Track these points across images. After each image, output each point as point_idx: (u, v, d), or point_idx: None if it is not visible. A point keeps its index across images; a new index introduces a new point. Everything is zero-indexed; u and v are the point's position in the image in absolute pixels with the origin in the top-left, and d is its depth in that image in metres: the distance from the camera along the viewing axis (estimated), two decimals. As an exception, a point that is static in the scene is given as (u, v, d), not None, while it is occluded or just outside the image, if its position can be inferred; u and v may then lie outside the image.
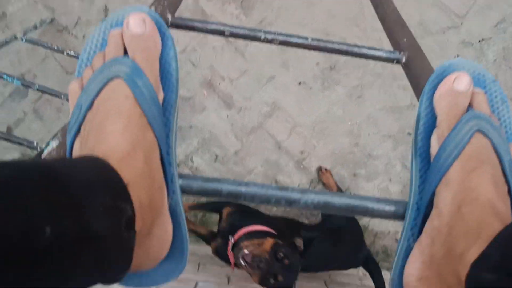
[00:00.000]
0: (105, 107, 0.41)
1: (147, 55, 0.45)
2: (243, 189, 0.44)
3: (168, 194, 0.44)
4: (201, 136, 2.42)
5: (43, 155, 0.45)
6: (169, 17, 0.75)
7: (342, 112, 2.45)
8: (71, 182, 0.31)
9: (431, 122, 0.48)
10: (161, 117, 0.43)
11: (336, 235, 2.15)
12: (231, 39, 2.33)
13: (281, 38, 0.76)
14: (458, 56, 2.44)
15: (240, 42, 2.34)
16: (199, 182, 0.45)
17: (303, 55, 2.37)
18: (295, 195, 0.44)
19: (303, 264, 1.97)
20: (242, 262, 1.60)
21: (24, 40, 1.89)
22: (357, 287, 2.41)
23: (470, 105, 0.47)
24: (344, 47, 0.76)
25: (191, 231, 2.21)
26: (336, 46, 0.75)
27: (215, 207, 2.17)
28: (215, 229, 2.21)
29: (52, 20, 2.22)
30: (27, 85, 1.54)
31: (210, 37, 2.32)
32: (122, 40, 0.46)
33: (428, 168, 0.47)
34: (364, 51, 0.76)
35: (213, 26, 0.76)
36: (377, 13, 1.01)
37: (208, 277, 2.18)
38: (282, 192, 0.44)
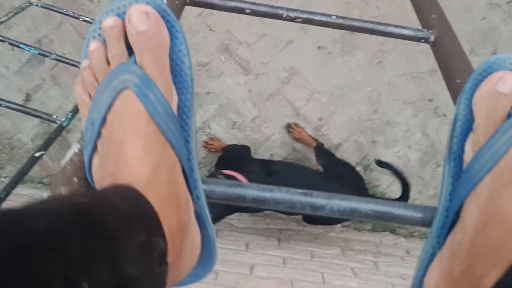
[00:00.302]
0: (119, 124, 0.40)
1: (155, 58, 0.41)
2: (267, 194, 0.43)
3: (192, 200, 0.42)
4: (218, 103, 2.40)
5: (63, 162, 0.43)
6: (187, -7, 0.72)
7: (362, 78, 2.40)
8: (107, 223, 0.31)
9: (469, 125, 0.44)
10: (178, 128, 0.41)
11: (340, 184, 2.14)
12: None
13: (303, 16, 0.72)
14: (484, 18, 2.35)
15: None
16: (222, 188, 0.44)
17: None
18: (320, 201, 0.43)
19: (309, 216, 2.07)
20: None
21: (39, 5, 1.86)
22: (373, 254, 2.42)
23: None
24: (370, 25, 0.72)
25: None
26: (361, 24, 0.72)
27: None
28: None
29: (66, -16, 2.18)
30: (44, 54, 1.52)
31: (227, 0, 2.26)
32: (124, 34, 0.42)
33: (461, 175, 0.44)
34: (390, 29, 0.72)
35: (233, 4, 0.73)
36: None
37: (225, 244, 2.21)
38: (307, 197, 0.43)
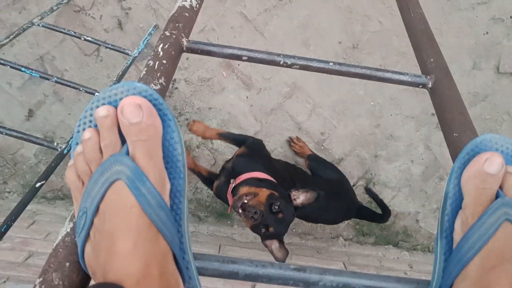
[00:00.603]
0: (111, 216, 0.40)
1: (148, 149, 0.41)
2: (260, 271, 0.43)
3: (184, 282, 0.42)
4: (220, 118, 2.40)
5: (55, 243, 0.43)
6: (184, 42, 0.72)
7: (364, 93, 2.39)
8: None
9: (459, 203, 0.45)
10: (170, 218, 0.41)
11: (330, 187, 2.15)
12: (250, 17, 2.27)
13: (300, 62, 0.72)
14: (487, 33, 2.34)
15: (260, 21, 2.28)
16: (215, 264, 0.44)
17: (324, 33, 2.30)
18: (314, 277, 0.43)
19: (300, 214, 2.03)
20: (239, 210, 1.63)
21: (41, 25, 1.87)
22: (376, 268, 2.42)
23: (501, 187, 0.43)
24: (368, 71, 0.72)
25: (193, 171, 2.24)
26: (359, 71, 0.72)
27: (237, 141, 2.21)
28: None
29: (68, 1, 2.18)
30: (45, 78, 1.53)
31: (229, 16, 2.26)
32: (117, 123, 0.42)
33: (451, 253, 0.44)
34: (388, 75, 0.72)
35: (230, 51, 0.73)
36: (403, 18, 0.96)
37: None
38: (300, 273, 0.42)
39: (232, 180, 1.87)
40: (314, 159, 2.32)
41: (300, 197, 1.78)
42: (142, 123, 0.41)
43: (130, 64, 1.92)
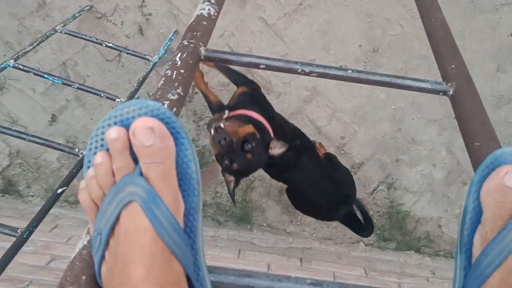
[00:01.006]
0: (125, 239, 0.40)
1: (162, 171, 0.41)
2: (276, 285, 0.42)
3: None
4: (240, 122, 2.40)
5: (74, 255, 0.43)
6: (202, 50, 0.73)
7: (385, 97, 2.37)
8: None
9: (479, 217, 0.44)
10: (185, 239, 0.41)
11: (332, 176, 2.11)
12: (270, 22, 2.27)
13: (319, 70, 0.71)
14: (511, 35, 2.30)
15: (280, 26, 2.28)
16: (231, 278, 0.43)
17: (345, 37, 2.29)
18: (331, 293, 0.42)
19: (287, 177, 2.00)
20: (212, 131, 1.54)
21: (64, 32, 1.90)
22: (397, 274, 2.38)
23: None
24: (387, 79, 0.71)
25: (202, 93, 2.05)
26: (378, 78, 0.71)
27: (236, 80, 2.03)
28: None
29: (90, 8, 2.21)
30: (67, 84, 1.56)
31: (249, 21, 2.27)
32: (128, 144, 0.42)
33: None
34: (408, 82, 0.71)
35: (248, 59, 0.73)
36: (424, 24, 0.94)
37: (247, 265, 2.21)
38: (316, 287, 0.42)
39: (226, 111, 1.75)
40: (331, 156, 2.29)
41: (277, 148, 1.68)
42: (155, 145, 0.40)
43: (151, 70, 1.94)
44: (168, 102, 0.60)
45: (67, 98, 2.38)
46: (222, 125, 1.52)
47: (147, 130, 0.40)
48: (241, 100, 1.85)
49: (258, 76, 2.33)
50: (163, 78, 0.64)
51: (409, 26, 2.26)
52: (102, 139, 0.43)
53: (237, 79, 2.01)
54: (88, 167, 0.45)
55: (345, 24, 2.26)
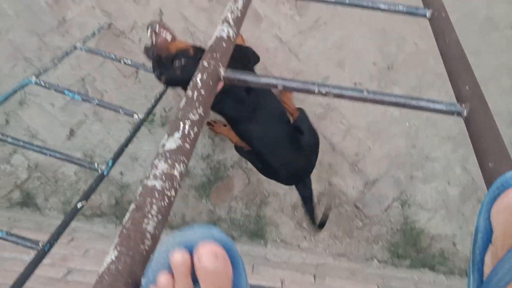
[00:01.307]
0: None
1: None
2: None
3: None
4: (255, 138, 2.42)
5: (102, 270, 0.45)
6: (222, 71, 0.75)
7: (399, 114, 2.37)
8: None
9: (490, 236, 0.45)
10: None
11: (298, 143, 2.02)
12: (285, 39, 2.30)
13: (335, 91, 0.73)
14: (526, 53, 2.30)
15: (294, 42, 2.31)
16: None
17: (359, 54, 2.31)
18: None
19: (244, 132, 1.94)
20: (148, 33, 1.55)
21: (83, 50, 1.95)
22: (412, 292, 2.37)
23: None
24: (402, 100, 0.72)
25: None
26: (393, 99, 0.72)
27: None
28: None
29: (109, 25, 2.26)
30: (87, 100, 1.59)
31: (264, 38, 2.30)
32: (191, 267, 0.45)
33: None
34: (423, 103, 0.72)
35: (265, 80, 0.75)
36: (438, 44, 0.96)
37: (260, 280, 2.21)
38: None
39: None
40: (301, 120, 2.16)
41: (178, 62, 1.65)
42: (217, 271, 0.43)
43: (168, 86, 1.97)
44: (189, 122, 0.62)
45: (85, 113, 2.43)
46: (156, 31, 1.54)
47: (212, 256, 0.43)
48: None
49: (273, 92, 2.35)
50: (184, 99, 0.66)
51: (424, 44, 2.27)
52: (166, 258, 0.46)
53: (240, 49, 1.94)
54: (149, 282, 0.48)
55: (360, 41, 2.28)
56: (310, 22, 2.28)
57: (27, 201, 2.58)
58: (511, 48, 2.29)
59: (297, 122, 2.12)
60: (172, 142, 0.61)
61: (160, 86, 2.00)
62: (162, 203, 0.53)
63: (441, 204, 2.50)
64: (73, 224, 2.50)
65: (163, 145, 0.60)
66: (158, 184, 0.54)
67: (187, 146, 0.59)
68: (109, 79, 2.37)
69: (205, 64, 0.74)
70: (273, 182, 2.43)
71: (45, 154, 1.35)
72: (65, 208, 2.56)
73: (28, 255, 2.21)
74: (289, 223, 2.55)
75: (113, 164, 1.37)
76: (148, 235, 0.49)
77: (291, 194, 2.48)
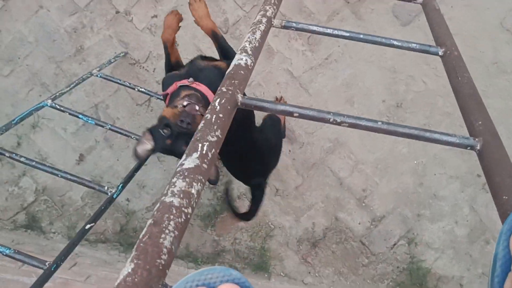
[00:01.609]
0: None
1: None
2: None
3: None
4: (263, 170, 2.43)
5: (118, 282, 0.46)
6: (239, 97, 0.77)
7: (407, 151, 2.38)
8: None
9: (509, 265, 0.45)
10: None
11: (261, 144, 1.91)
12: (296, 74, 2.34)
13: (350, 120, 0.75)
14: (535, 95, 2.32)
15: (305, 78, 2.34)
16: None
17: (369, 91, 2.34)
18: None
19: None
20: (185, 103, 1.39)
21: (99, 76, 1.99)
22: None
23: None
24: (415, 132, 0.74)
25: (165, 49, 1.81)
26: (407, 131, 0.73)
27: (224, 53, 1.79)
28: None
29: (125, 54, 2.32)
30: (100, 125, 1.62)
31: (275, 72, 2.34)
32: None
33: None
34: (436, 136, 0.73)
35: (282, 107, 0.77)
36: (450, 81, 0.98)
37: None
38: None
39: (191, 79, 1.56)
40: (273, 119, 1.98)
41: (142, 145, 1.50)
42: None
43: (179, 115, 2.00)
44: (207, 143, 0.64)
45: (96, 139, 2.45)
46: (196, 108, 1.40)
47: None
48: (212, 72, 1.62)
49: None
50: (203, 121, 0.68)
51: (433, 83, 2.30)
52: None
53: (228, 51, 1.78)
54: None
55: (370, 79, 2.31)
56: (321, 58, 2.32)
57: (32, 224, 2.58)
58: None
59: (265, 124, 1.99)
60: (191, 162, 0.62)
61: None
62: (179, 219, 0.54)
63: (448, 244, 2.48)
64: (77, 249, 2.49)
65: (182, 164, 0.62)
66: (175, 201, 0.55)
67: (205, 166, 0.61)
68: (122, 107, 2.41)
69: (224, 89, 0.76)
70: (278, 214, 2.43)
71: (57, 175, 1.36)
72: (69, 233, 2.56)
73: (30, 278, 2.20)
74: (293, 257, 2.52)
75: (122, 188, 1.39)
76: (165, 250, 0.50)
77: (296, 228, 2.47)
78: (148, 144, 1.47)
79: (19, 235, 2.57)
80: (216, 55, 1.80)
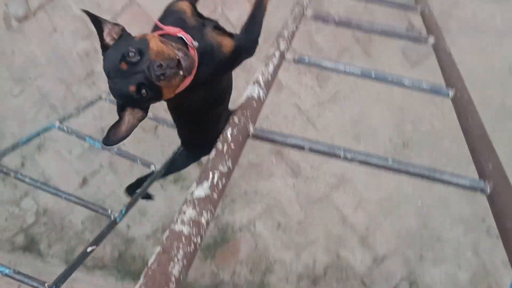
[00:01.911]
0: None
1: None
2: None
3: None
4: (266, 202, 2.42)
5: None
6: (251, 128, 0.77)
7: (412, 191, 2.37)
8: None
9: None
10: None
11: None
12: (304, 109, 2.35)
13: (360, 157, 0.74)
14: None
15: (313, 112, 2.36)
16: None
17: (376, 129, 2.34)
18: None
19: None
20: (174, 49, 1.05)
21: (108, 101, 2.00)
22: None
23: None
24: (426, 172, 0.73)
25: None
26: (417, 170, 0.73)
27: (248, 29, 1.44)
28: None
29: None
30: (107, 148, 1.62)
31: (284, 106, 2.35)
32: None
33: None
34: (446, 177, 0.73)
35: (293, 141, 0.77)
36: (460, 123, 0.98)
37: None
38: None
39: (196, 43, 1.22)
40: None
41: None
42: None
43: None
44: (218, 173, 0.63)
45: (101, 163, 2.45)
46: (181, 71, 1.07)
47: None
48: (213, 53, 1.31)
49: (288, 159, 2.37)
50: (215, 151, 0.68)
51: (440, 124, 2.31)
52: None
53: (254, 27, 1.46)
54: None
55: (377, 117, 2.32)
56: (329, 94, 2.34)
57: (31, 246, 2.56)
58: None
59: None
60: (201, 191, 0.62)
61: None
62: (188, 248, 0.53)
63: (450, 288, 2.44)
64: (74, 273, 2.46)
65: (192, 192, 0.61)
66: (185, 229, 0.55)
67: (215, 196, 0.60)
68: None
69: (236, 120, 0.76)
70: (279, 249, 2.40)
71: (60, 196, 1.36)
72: (67, 257, 2.53)
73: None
74: (293, 294, 2.48)
75: (126, 212, 1.38)
76: (173, 279, 0.49)
77: (297, 263, 2.43)
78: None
79: (17, 256, 2.55)
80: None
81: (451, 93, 1.03)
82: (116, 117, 1.15)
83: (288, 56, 1.08)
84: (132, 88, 1.04)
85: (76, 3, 2.38)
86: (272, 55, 1.02)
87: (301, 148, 0.77)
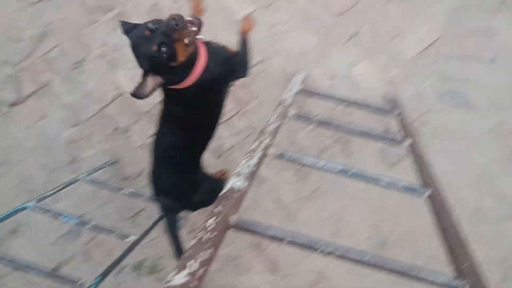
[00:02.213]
0: None
1: None
2: None
3: None
4: (242, 299, 2.36)
5: None
6: (231, 219, 0.78)
7: (391, 291, 2.34)
8: None
9: None
10: None
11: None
12: (283, 204, 2.37)
13: (339, 252, 0.76)
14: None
15: (293, 208, 2.37)
16: None
17: (354, 227, 2.36)
18: None
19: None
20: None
21: (86, 181, 2.01)
22: None
23: None
24: (403, 268, 0.75)
25: None
26: (394, 267, 0.75)
27: (241, 52, 1.72)
28: None
29: (113, 163, 2.36)
30: (83, 223, 1.62)
31: (263, 200, 2.37)
32: None
33: None
34: (424, 275, 0.75)
35: (274, 232, 0.79)
36: (436, 222, 1.01)
37: None
38: None
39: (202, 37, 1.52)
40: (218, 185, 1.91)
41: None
42: None
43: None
44: (199, 260, 0.64)
45: (74, 252, 2.39)
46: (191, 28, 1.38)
47: None
48: (218, 51, 1.60)
49: (268, 253, 2.35)
50: (195, 239, 0.69)
51: (417, 226, 2.33)
52: None
53: (242, 51, 1.74)
54: None
55: (356, 215, 2.35)
56: (310, 190, 2.38)
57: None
58: (499, 241, 2.35)
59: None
60: (179, 279, 0.62)
61: (155, 232, 2.01)
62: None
63: None
64: None
65: (168, 281, 0.61)
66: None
67: (195, 283, 0.60)
68: (107, 220, 2.39)
69: (216, 210, 0.78)
70: None
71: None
72: None
73: None
74: None
75: (101, 280, 1.36)
76: None
77: None
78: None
79: None
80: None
81: (427, 193, 1.07)
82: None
83: (271, 151, 1.13)
84: (154, 47, 1.29)
85: (66, 93, 2.46)
86: (255, 149, 1.07)
87: (281, 240, 0.79)
